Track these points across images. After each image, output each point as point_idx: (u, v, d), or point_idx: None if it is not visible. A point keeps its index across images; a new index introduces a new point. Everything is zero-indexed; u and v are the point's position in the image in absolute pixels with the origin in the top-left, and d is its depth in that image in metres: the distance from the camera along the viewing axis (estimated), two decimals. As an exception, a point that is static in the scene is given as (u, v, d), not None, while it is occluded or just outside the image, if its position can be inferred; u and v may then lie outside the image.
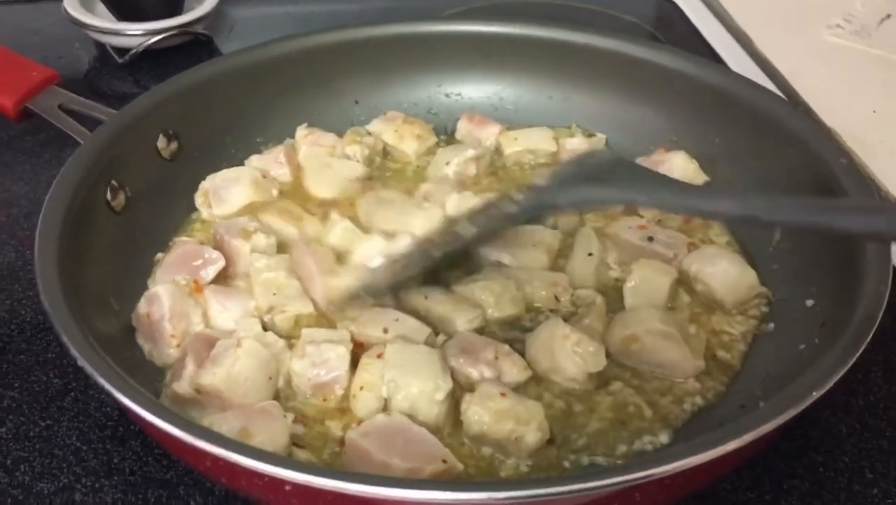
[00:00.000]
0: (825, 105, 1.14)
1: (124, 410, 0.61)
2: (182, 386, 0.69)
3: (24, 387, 0.76)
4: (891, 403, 0.75)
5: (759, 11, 1.36)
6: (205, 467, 0.59)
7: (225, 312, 0.77)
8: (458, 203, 0.87)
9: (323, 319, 0.77)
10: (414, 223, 0.84)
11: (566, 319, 0.76)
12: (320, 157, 0.94)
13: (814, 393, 0.57)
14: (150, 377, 0.72)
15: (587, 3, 1.43)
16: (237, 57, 1.00)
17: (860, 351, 0.60)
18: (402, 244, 0.79)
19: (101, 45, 1.27)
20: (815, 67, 1.23)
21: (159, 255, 0.84)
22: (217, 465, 0.56)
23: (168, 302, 0.74)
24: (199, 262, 0.81)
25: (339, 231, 0.84)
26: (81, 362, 0.59)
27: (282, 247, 0.84)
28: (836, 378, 0.59)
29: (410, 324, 0.75)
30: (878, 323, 0.62)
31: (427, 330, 0.75)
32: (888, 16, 1.34)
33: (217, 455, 0.53)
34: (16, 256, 0.90)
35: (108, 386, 0.58)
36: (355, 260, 0.81)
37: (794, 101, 1.17)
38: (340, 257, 0.83)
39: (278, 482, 0.53)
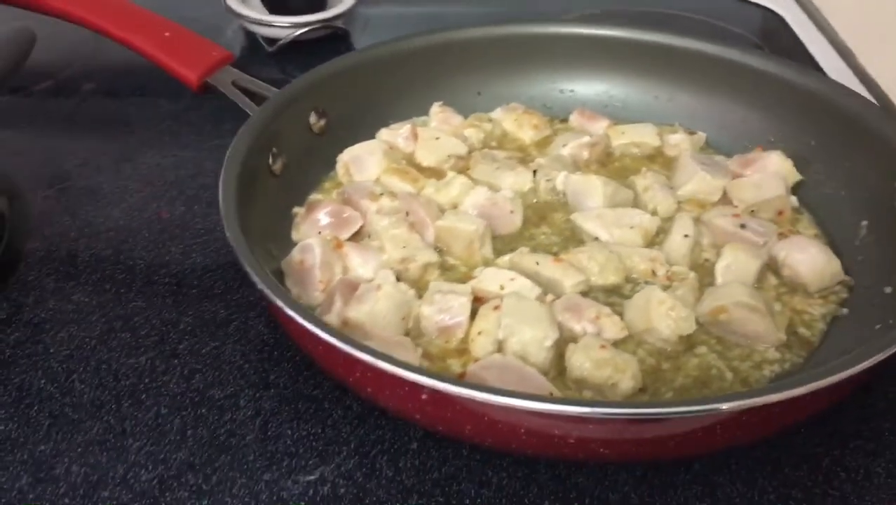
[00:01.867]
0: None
1: (290, 327, 0.74)
2: (331, 318, 0.81)
3: (196, 315, 0.90)
4: (959, 383, 0.82)
5: (862, 25, 1.42)
6: (354, 378, 0.71)
7: (364, 264, 0.90)
8: (566, 180, 0.98)
9: (444, 264, 0.92)
10: (505, 181, 1.00)
11: (663, 290, 0.86)
12: (434, 133, 1.06)
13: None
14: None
15: (697, 14, 1.52)
16: (376, 49, 1.13)
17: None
18: (504, 195, 0.95)
19: (252, 35, 1.43)
20: (917, 83, 1.29)
21: (296, 208, 0.98)
22: (366, 375, 0.68)
23: (319, 252, 0.87)
24: (340, 220, 0.94)
25: (457, 185, 0.97)
26: (260, 285, 0.72)
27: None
28: (888, 352, 0.66)
29: (524, 283, 0.85)
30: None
31: (538, 289, 0.85)
32: None
33: (369, 363, 0.65)
34: (185, 209, 1.05)
35: (284, 306, 0.70)
36: (463, 207, 0.96)
37: (891, 112, 1.23)
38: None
39: (417, 389, 0.65)
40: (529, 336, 0.79)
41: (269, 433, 0.77)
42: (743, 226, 0.93)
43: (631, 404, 0.69)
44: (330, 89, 1.05)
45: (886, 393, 0.81)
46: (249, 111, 0.98)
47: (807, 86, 1.03)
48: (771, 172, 0.99)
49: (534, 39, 1.17)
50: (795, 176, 1.00)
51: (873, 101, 1.24)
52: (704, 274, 0.90)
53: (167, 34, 1.02)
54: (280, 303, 0.71)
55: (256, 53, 1.41)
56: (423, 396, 0.66)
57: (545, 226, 0.98)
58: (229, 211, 0.82)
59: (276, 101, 0.99)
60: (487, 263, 0.92)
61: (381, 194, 0.96)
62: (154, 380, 0.82)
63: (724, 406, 0.62)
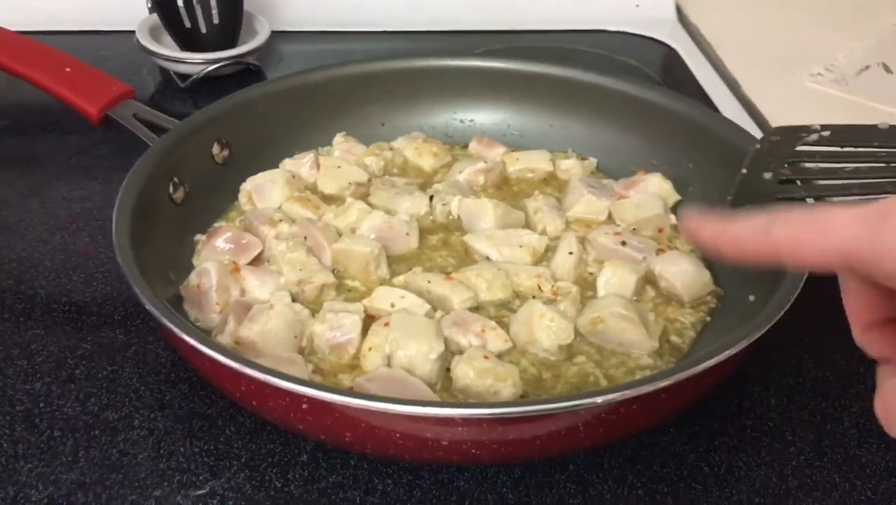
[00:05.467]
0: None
1: (179, 346, 0.76)
2: (224, 338, 0.84)
3: (95, 340, 0.91)
4: (816, 383, 0.88)
5: (748, 60, 1.52)
6: (240, 393, 0.74)
7: (261, 286, 0.93)
8: (459, 204, 1.03)
9: (342, 285, 0.95)
10: (402, 205, 1.04)
11: (545, 304, 0.91)
12: (336, 161, 1.10)
13: (727, 351, 0.71)
14: (198, 334, 0.88)
15: (597, 49, 1.60)
16: (281, 81, 1.17)
17: (774, 321, 0.74)
18: (399, 218, 0.99)
19: (165, 71, 1.46)
20: (794, 110, 1.37)
21: (198, 236, 1.00)
22: (250, 388, 0.71)
23: (215, 276, 0.90)
24: (240, 246, 0.97)
25: (354, 211, 1.01)
26: (149, 307, 0.75)
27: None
28: (738, 348, 0.72)
29: (414, 300, 0.90)
30: (790, 304, 0.76)
31: (427, 306, 0.89)
32: (867, 67, 1.49)
33: (250, 376, 0.68)
34: (90, 240, 1.07)
35: (169, 324, 0.73)
36: (360, 231, 0.99)
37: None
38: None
39: (296, 399, 0.68)
40: (415, 349, 0.83)
41: (162, 451, 0.79)
42: (624, 243, 0.98)
43: (483, 405, 0.73)
44: (233, 121, 1.09)
45: (751, 392, 0.87)
46: (150, 142, 1.01)
47: (684, 113, 1.10)
48: (651, 193, 1.05)
49: (434, 72, 1.22)
50: (674, 196, 1.07)
51: (753, 125, 1.32)
52: (588, 287, 0.96)
53: (68, 69, 1.05)
54: (166, 321, 0.73)
55: (170, 89, 1.44)
56: (304, 406, 0.69)
57: (444, 249, 1.02)
58: (122, 238, 0.84)
59: (176, 132, 1.02)
60: (384, 283, 0.96)
61: (281, 220, 1.00)
62: (49, 404, 0.84)
63: (562, 405, 0.66)
